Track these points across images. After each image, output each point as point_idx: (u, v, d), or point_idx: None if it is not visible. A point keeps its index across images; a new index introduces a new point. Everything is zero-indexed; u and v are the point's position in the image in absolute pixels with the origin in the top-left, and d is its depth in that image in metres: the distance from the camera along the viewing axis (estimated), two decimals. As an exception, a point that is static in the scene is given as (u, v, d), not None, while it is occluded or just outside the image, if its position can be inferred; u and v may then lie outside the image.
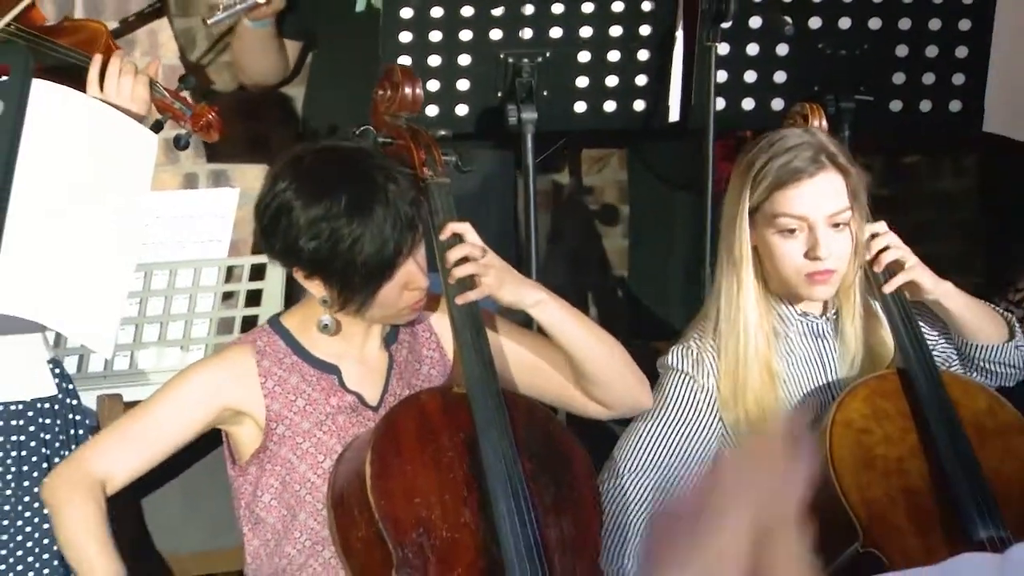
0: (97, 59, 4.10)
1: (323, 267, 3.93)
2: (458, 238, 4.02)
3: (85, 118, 3.84)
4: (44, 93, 3.69)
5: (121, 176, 3.88)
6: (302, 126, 5.60)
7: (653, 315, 5.96)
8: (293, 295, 4.76)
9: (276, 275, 4.99)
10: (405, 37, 4.94)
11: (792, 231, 4.26)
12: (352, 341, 4.06)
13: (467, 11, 4.96)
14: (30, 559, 4.12)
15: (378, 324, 4.06)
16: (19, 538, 4.12)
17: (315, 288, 3.98)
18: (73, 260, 3.84)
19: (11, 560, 4.10)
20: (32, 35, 4.11)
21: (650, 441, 4.32)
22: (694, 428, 4.31)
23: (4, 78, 3.58)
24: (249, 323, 4.97)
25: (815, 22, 5.16)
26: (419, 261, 3.95)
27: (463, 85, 5.02)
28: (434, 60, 4.96)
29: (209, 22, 5.39)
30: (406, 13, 4.93)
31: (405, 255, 3.90)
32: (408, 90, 4.20)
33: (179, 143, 4.19)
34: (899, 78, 5.23)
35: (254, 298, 5.02)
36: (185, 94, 4.20)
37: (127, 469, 3.97)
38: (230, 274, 5.02)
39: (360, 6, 5.43)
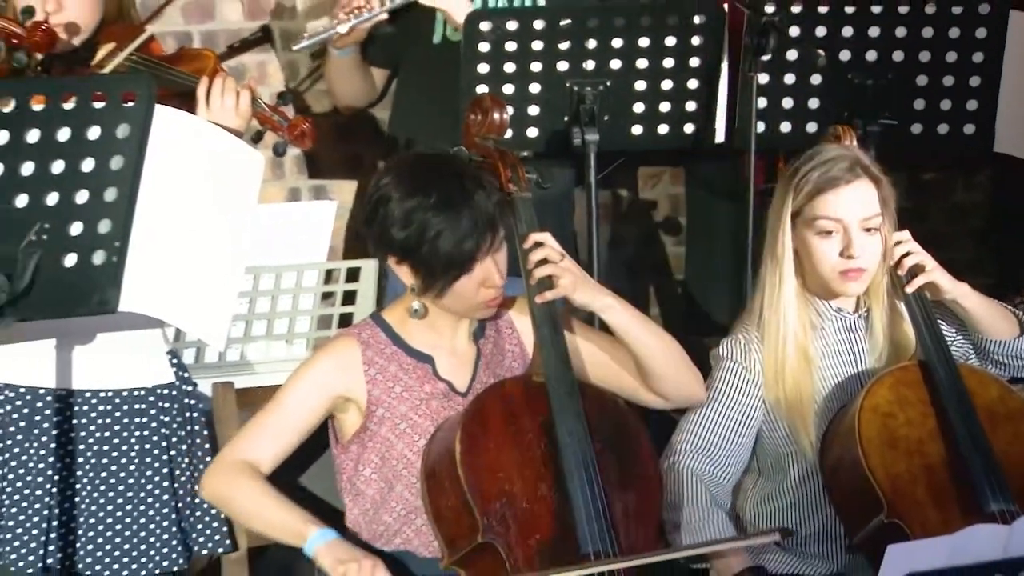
0: (204, 80, 4.12)
1: (411, 254, 3.95)
2: (539, 245, 4.03)
3: (201, 140, 3.85)
4: (165, 117, 3.69)
5: (232, 189, 3.89)
6: (387, 146, 5.59)
7: (704, 314, 5.96)
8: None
9: (369, 277, 5.01)
10: (483, 68, 4.95)
11: (829, 232, 4.27)
12: (444, 335, 4.08)
13: (537, 45, 4.96)
14: (152, 527, 4.12)
15: (464, 319, 4.07)
16: (141, 509, 4.11)
17: (404, 274, 4.00)
18: (190, 264, 3.84)
19: (135, 538, 4.10)
20: (153, 63, 4.12)
21: (705, 423, 4.32)
22: (742, 410, 4.32)
23: (130, 104, 3.58)
24: (345, 320, 4.99)
25: (845, 55, 5.14)
26: (498, 263, 3.96)
27: (533, 110, 5.02)
28: (508, 88, 4.96)
29: (295, 48, 5.40)
30: (484, 47, 4.94)
31: (484, 253, 3.92)
32: (496, 116, 4.21)
33: (278, 151, 4.20)
34: (919, 104, 5.21)
35: (349, 298, 5.04)
36: (283, 108, 4.20)
37: (271, 456, 3.99)
38: (328, 276, 5.03)
39: (436, 38, 5.45)
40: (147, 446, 4.13)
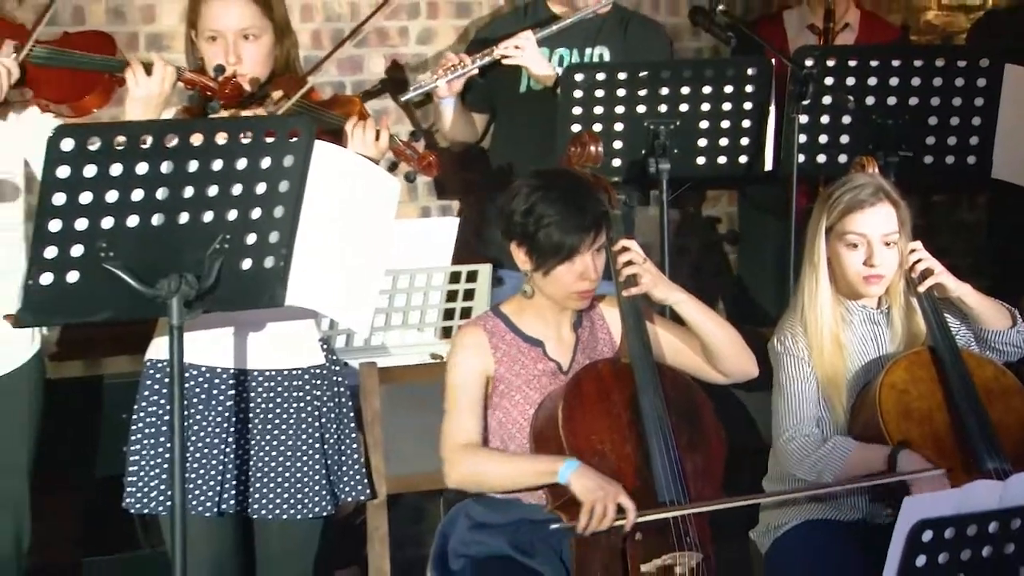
0: (352, 120, 4.12)
1: (527, 238, 3.95)
2: (627, 250, 4.03)
3: (350, 168, 3.86)
4: (322, 149, 3.71)
5: (374, 207, 3.89)
6: (494, 174, 5.60)
7: (756, 307, 5.94)
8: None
9: (485, 278, 5.01)
10: (577, 110, 4.94)
11: (856, 245, 4.26)
12: (550, 324, 4.07)
13: (621, 92, 4.96)
14: (306, 481, 4.13)
15: (566, 312, 4.06)
16: (299, 464, 4.12)
17: (520, 257, 4.00)
18: (342, 267, 3.85)
19: (293, 489, 4.11)
20: (312, 107, 4.13)
21: (790, 410, 4.30)
22: (807, 387, 4.30)
23: (295, 139, 3.60)
24: (465, 312, 5.01)
25: (870, 100, 5.10)
26: (596, 262, 3.96)
27: (617, 144, 5.01)
28: (597, 126, 4.95)
29: (402, 99, 5.42)
30: (577, 94, 4.93)
31: (586, 247, 3.91)
32: (593, 149, 4.19)
33: (409, 178, 4.21)
34: (930, 140, 5.17)
35: (468, 294, 5.05)
36: (414, 143, 4.21)
37: (477, 431, 3.99)
38: (452, 277, 5.04)
39: (522, 88, 5.46)
40: (303, 415, 4.13)
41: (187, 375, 4.06)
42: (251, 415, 4.11)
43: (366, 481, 4.23)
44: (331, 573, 5.13)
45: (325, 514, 4.16)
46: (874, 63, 5.13)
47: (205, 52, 4.10)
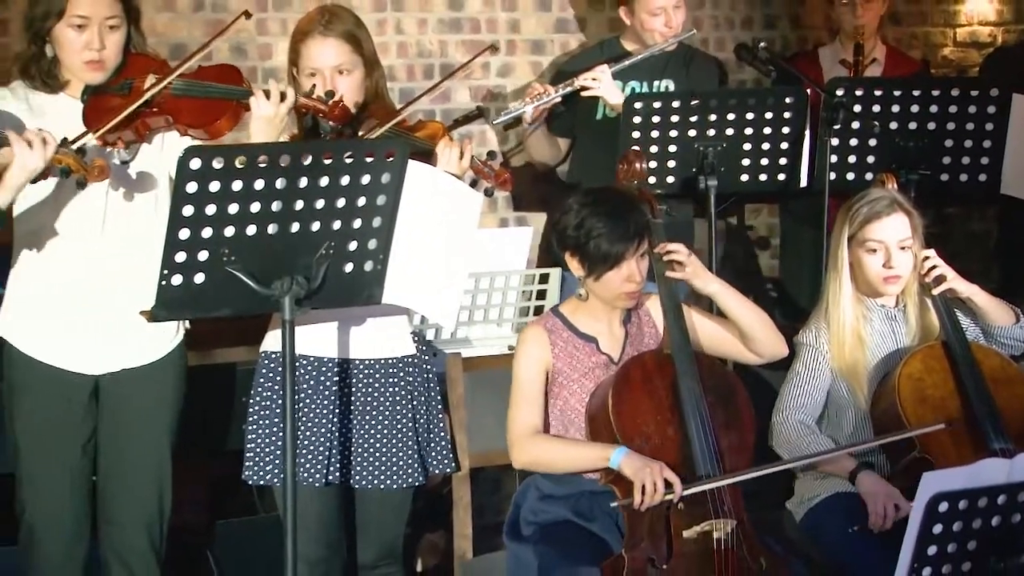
0: (441, 141, 4.12)
1: (579, 249, 3.96)
2: (672, 251, 4.04)
3: (437, 183, 3.87)
4: (415, 168, 3.72)
5: (460, 217, 3.90)
6: (567, 190, 5.59)
7: (794, 306, 5.91)
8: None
9: (555, 280, 5.01)
10: (636, 134, 4.94)
11: (875, 250, 4.26)
12: (602, 321, 4.07)
13: (675, 118, 4.95)
14: (400, 456, 4.12)
15: (616, 311, 4.06)
16: (394, 441, 4.11)
17: (574, 265, 4.01)
18: (431, 269, 3.85)
19: (390, 461, 4.10)
20: (403, 133, 4.13)
21: (796, 393, 4.32)
22: (817, 377, 4.31)
23: (391, 159, 3.61)
24: (538, 310, 5.01)
25: (893, 124, 5.07)
26: (641, 267, 3.97)
27: (671, 163, 5.00)
28: (654, 148, 4.94)
29: (494, 123, 5.43)
30: (637, 120, 4.93)
31: (631, 254, 3.92)
32: (638, 165, 4.20)
33: (488, 193, 4.20)
34: (946, 160, 5.13)
35: (541, 294, 5.05)
36: (491, 163, 4.21)
37: (539, 419, 4.01)
38: (527, 279, 5.05)
39: (598, 115, 5.47)
40: (397, 398, 4.13)
41: (298, 364, 4.07)
42: (352, 399, 4.11)
43: (452, 456, 4.23)
44: (421, 536, 5.15)
45: (417, 484, 4.16)
46: (897, 92, 5.10)
47: (305, 87, 4.12)
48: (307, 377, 4.08)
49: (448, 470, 4.22)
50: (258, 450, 4.08)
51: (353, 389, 4.12)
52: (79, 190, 3.80)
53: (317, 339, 4.07)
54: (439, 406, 4.23)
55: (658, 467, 3.81)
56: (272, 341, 4.10)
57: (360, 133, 4.06)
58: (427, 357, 4.23)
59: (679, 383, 3.94)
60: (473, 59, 4.71)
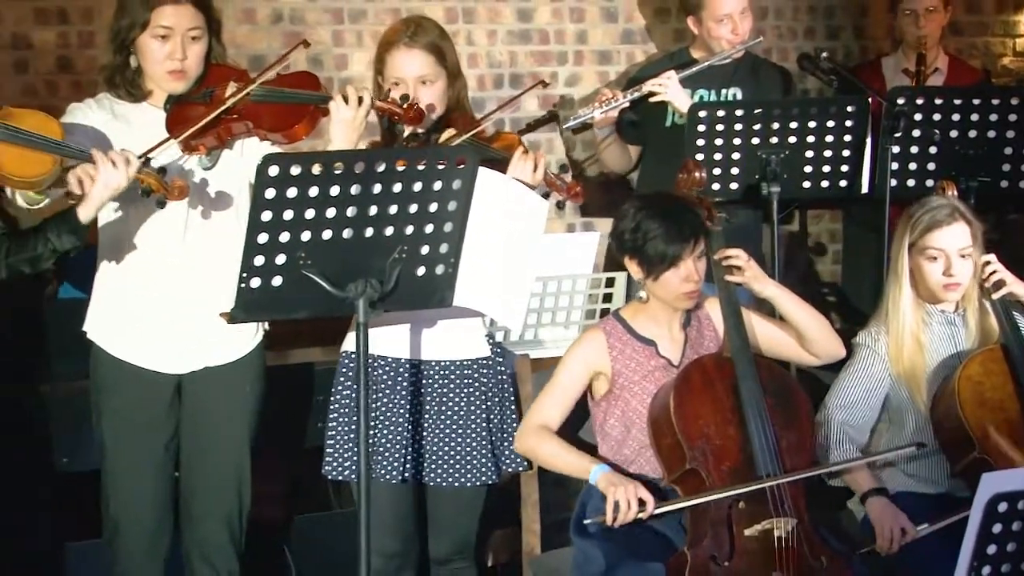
0: (517, 152, 4.11)
1: (637, 251, 3.96)
2: (731, 256, 4.04)
3: (506, 190, 3.87)
4: (484, 175, 3.73)
5: (527, 222, 3.90)
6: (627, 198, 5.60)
7: (853, 308, 5.88)
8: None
9: (621, 284, 4.99)
10: (700, 142, 4.91)
11: (935, 258, 4.22)
12: (662, 325, 4.07)
13: (738, 126, 4.91)
14: (474, 455, 4.13)
15: (676, 314, 4.06)
16: (468, 440, 4.12)
17: (633, 268, 4.01)
18: (500, 273, 3.86)
19: (464, 460, 4.11)
20: (481, 143, 4.13)
21: (847, 388, 4.29)
22: (871, 379, 4.28)
23: (462, 166, 3.61)
24: (604, 313, 4.99)
25: (953, 133, 5.01)
26: (698, 267, 3.96)
27: (735, 171, 4.97)
28: (718, 155, 4.91)
29: (564, 127, 5.43)
30: (702, 128, 4.90)
31: (688, 254, 3.92)
32: (697, 174, 4.19)
33: (560, 206, 4.20)
34: (1006, 167, 5.06)
35: (607, 297, 5.04)
36: (564, 175, 4.21)
37: (557, 417, 4.03)
38: (593, 283, 5.04)
39: (668, 123, 5.44)
40: (471, 399, 4.14)
41: (376, 365, 4.09)
42: (429, 399, 4.13)
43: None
44: (491, 532, 5.15)
45: (490, 483, 4.17)
46: (957, 101, 5.05)
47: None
48: (385, 378, 4.10)
49: (521, 469, 4.22)
50: (338, 447, 4.10)
51: (429, 389, 4.13)
52: (159, 208, 3.84)
53: (396, 341, 4.09)
54: (513, 406, 4.23)
55: (632, 487, 3.81)
56: (352, 342, 4.09)
57: (440, 141, 4.07)
58: (501, 359, 4.24)
59: (739, 385, 3.93)
60: (521, 94, 4.73)
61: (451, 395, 4.14)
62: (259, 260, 3.44)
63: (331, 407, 4.15)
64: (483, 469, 4.14)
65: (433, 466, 4.12)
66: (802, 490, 3.92)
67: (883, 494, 4.16)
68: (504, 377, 4.22)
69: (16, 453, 4.54)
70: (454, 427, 4.13)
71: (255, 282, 3.46)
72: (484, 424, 4.14)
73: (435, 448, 4.12)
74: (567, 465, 3.98)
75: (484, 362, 4.18)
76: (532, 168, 4.04)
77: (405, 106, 4.03)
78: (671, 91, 5.22)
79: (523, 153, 4.07)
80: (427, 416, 4.12)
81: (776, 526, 3.84)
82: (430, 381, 4.13)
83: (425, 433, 4.12)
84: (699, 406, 3.91)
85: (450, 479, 4.12)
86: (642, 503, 3.81)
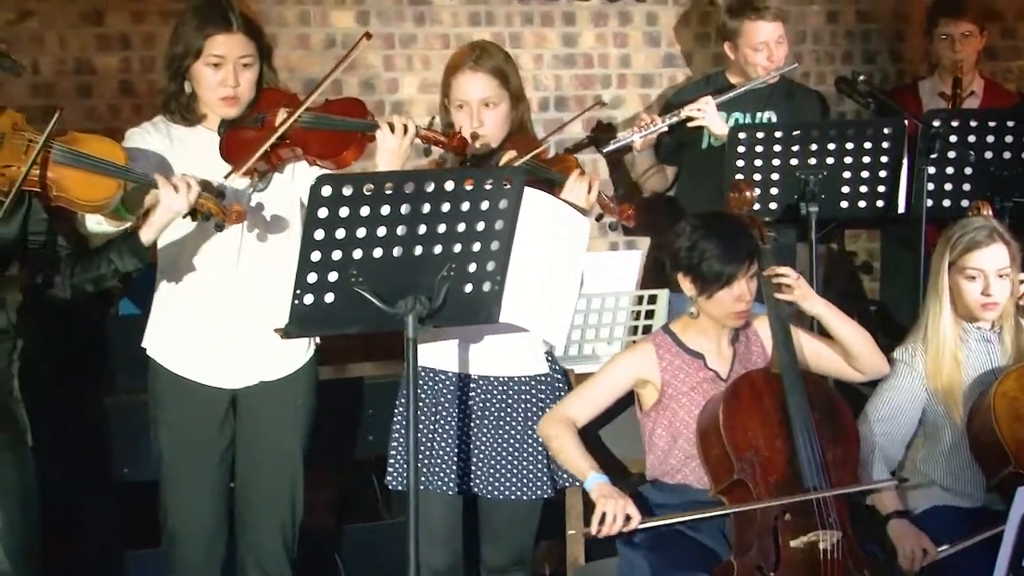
0: (573, 174, 4.12)
1: (692, 269, 3.97)
2: (781, 274, 4.04)
3: (550, 210, 3.88)
4: (529, 194, 3.74)
5: (570, 241, 3.91)
6: (674, 217, 5.59)
7: (891, 325, 5.85)
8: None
9: (663, 301, 4.98)
10: (740, 163, 4.89)
11: (974, 278, 4.19)
12: (711, 340, 4.07)
13: (777, 147, 4.90)
14: (530, 470, 4.14)
15: (725, 329, 4.05)
16: (525, 455, 4.13)
17: (686, 285, 4.01)
18: (544, 290, 3.86)
19: (521, 474, 4.12)
20: (539, 165, 4.14)
21: (885, 403, 4.26)
22: (908, 394, 4.25)
23: (508, 186, 3.62)
24: (647, 329, 4.97)
25: (988, 154, 4.99)
26: (750, 287, 3.96)
27: (774, 191, 4.96)
28: (757, 176, 4.90)
29: (603, 151, 5.42)
30: (741, 149, 4.89)
31: (741, 275, 3.92)
32: (748, 194, 4.20)
33: (612, 227, 4.21)
34: (1042, 188, 5.07)
35: (649, 314, 5.03)
36: (616, 197, 4.21)
37: (584, 415, 4.04)
38: (636, 300, 5.03)
39: (704, 145, 5.44)
40: (529, 414, 4.14)
41: (439, 378, 4.12)
42: (488, 413, 4.14)
43: None
44: (538, 542, 5.14)
45: (546, 497, 4.18)
46: (992, 123, 5.01)
47: (454, 117, 4.15)
48: (446, 391, 4.12)
49: (577, 483, 4.20)
50: (400, 459, 4.12)
51: (490, 404, 4.14)
52: (217, 231, 3.88)
53: (458, 356, 4.11)
54: None
55: (623, 502, 3.81)
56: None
57: (501, 163, 4.09)
58: (560, 375, 4.24)
59: (787, 399, 3.93)
60: (583, 112, 4.87)
61: (510, 410, 4.15)
62: (312, 277, 3.45)
63: (394, 420, 4.18)
64: (539, 484, 4.15)
65: (490, 479, 4.13)
66: (846, 504, 3.92)
67: (904, 516, 4.15)
68: (563, 394, 4.23)
69: (80, 463, 4.58)
70: (512, 441, 4.14)
71: (308, 299, 3.47)
72: (540, 439, 4.15)
73: (493, 462, 4.13)
74: (569, 462, 3.98)
75: (543, 378, 4.20)
76: (587, 190, 4.05)
77: (449, 135, 4.06)
78: (708, 117, 5.23)
79: (579, 175, 4.08)
80: (486, 430, 4.14)
81: (821, 538, 3.83)
82: (490, 396, 4.15)
83: (483, 447, 4.13)
84: (748, 419, 3.91)
85: (507, 492, 4.13)
86: (628, 518, 3.81)
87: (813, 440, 3.89)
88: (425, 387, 4.13)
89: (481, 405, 4.13)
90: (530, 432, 4.14)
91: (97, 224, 3.91)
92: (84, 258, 3.87)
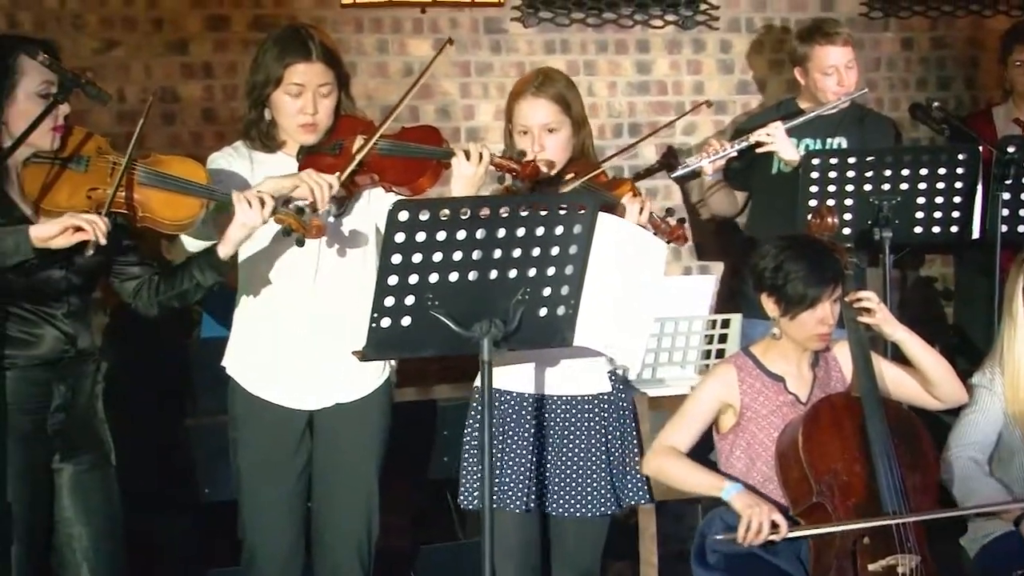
0: (627, 196, 4.11)
1: (776, 290, 3.94)
2: (863, 298, 4.01)
3: (626, 234, 3.88)
4: (605, 220, 3.73)
5: (646, 265, 3.90)
6: (746, 243, 5.58)
7: (966, 350, 5.78)
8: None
9: (736, 326, 4.95)
10: (813, 188, 4.84)
11: None
12: (792, 363, 4.03)
13: (851, 173, 4.85)
14: (593, 483, 4.11)
15: (805, 353, 4.02)
16: (588, 472, 4.11)
17: (769, 306, 3.99)
18: (619, 314, 3.84)
19: (584, 490, 4.11)
20: (595, 187, 4.14)
21: (970, 425, 4.22)
22: (992, 418, 4.20)
23: (582, 211, 3.61)
24: (719, 353, 4.94)
25: (1064, 179, 4.97)
26: (833, 311, 3.93)
27: (848, 216, 4.90)
28: (831, 201, 4.85)
29: (672, 176, 5.39)
30: (814, 175, 4.84)
31: (825, 297, 3.90)
32: (830, 219, 4.16)
33: None
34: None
35: (722, 339, 4.99)
36: (668, 219, 4.19)
37: (684, 442, 4.03)
38: (709, 324, 5.00)
39: (773, 170, 5.41)
40: (592, 432, 4.13)
41: (503, 399, 4.11)
42: (551, 432, 4.13)
43: (646, 488, 4.19)
44: (609, 564, 5.12)
45: (610, 513, 4.15)
46: (1070, 148, 4.97)
47: (518, 142, 4.16)
48: (511, 411, 4.10)
49: (642, 502, 4.19)
50: (470, 477, 4.12)
51: (552, 423, 4.12)
52: (298, 247, 3.88)
53: (521, 376, 4.10)
54: (635, 441, 4.20)
55: (768, 508, 3.78)
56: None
57: (562, 189, 4.08)
58: (623, 395, 4.22)
59: (867, 424, 3.89)
60: (686, 113, 4.96)
61: (573, 428, 4.13)
62: (389, 301, 3.44)
63: (464, 439, 4.18)
64: (603, 500, 4.12)
65: (555, 496, 4.11)
66: (924, 528, 3.87)
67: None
68: (627, 413, 4.21)
69: (163, 483, 4.61)
70: (575, 459, 4.12)
71: (385, 322, 3.46)
72: (604, 457, 4.13)
73: (557, 479, 4.11)
74: (699, 483, 3.96)
75: (605, 397, 4.17)
76: (639, 209, 4.04)
77: (523, 162, 4.06)
78: (778, 142, 5.18)
79: (632, 196, 4.08)
80: (550, 448, 4.12)
81: (900, 562, 3.80)
82: (553, 415, 4.13)
83: (548, 464, 4.12)
84: (827, 442, 3.88)
85: (571, 509, 4.11)
86: (775, 526, 3.78)
87: (893, 465, 3.85)
88: (496, 406, 4.11)
89: (546, 424, 4.12)
90: (594, 450, 4.12)
91: (194, 244, 3.97)
92: (168, 276, 3.91)
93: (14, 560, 3.69)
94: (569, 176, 4.14)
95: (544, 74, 4.21)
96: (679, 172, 5.28)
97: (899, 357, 4.13)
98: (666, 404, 4.46)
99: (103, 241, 3.60)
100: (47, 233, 3.57)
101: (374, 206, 4.12)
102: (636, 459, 4.17)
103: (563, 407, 4.13)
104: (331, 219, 4.08)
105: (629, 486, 4.16)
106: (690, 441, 4.03)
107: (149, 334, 4.59)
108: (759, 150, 5.22)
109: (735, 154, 5.22)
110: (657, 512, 4.37)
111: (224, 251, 3.83)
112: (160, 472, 4.60)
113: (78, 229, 3.57)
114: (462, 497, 4.14)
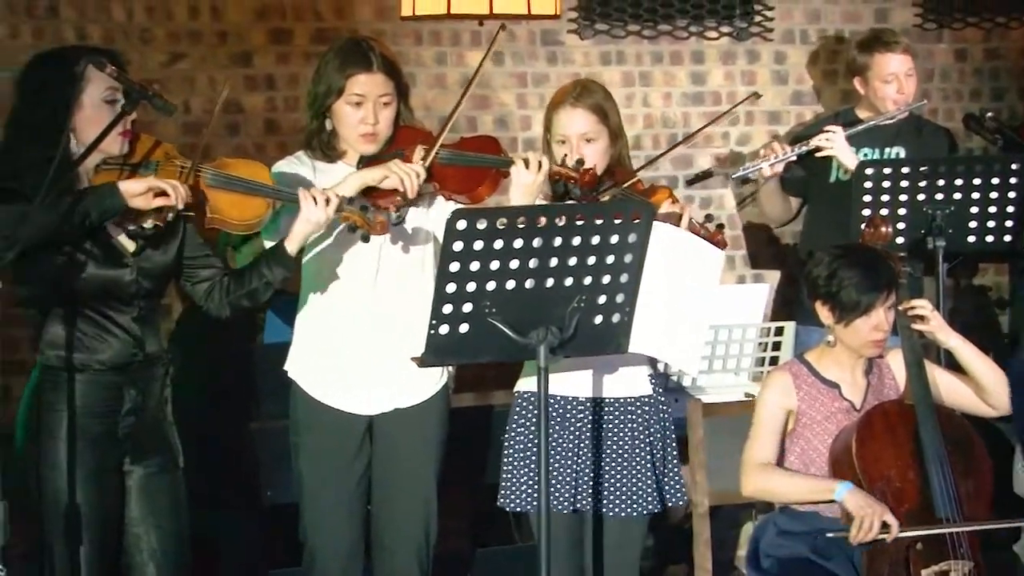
0: (663, 203, 4.11)
1: (831, 297, 3.93)
2: (917, 306, 4.00)
3: (682, 243, 3.87)
4: (660, 228, 3.71)
5: (701, 273, 3.89)
6: (800, 253, 5.57)
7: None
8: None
9: (790, 333, 4.94)
10: (867, 197, 4.83)
11: None
12: (846, 370, 4.01)
13: (904, 183, 4.82)
14: (637, 482, 4.10)
15: (860, 360, 4.00)
16: (633, 471, 4.11)
17: (824, 313, 3.98)
18: (675, 321, 3.83)
19: (629, 490, 4.10)
20: (632, 195, 4.13)
21: None
22: None
23: (637, 220, 3.62)
24: (773, 360, 4.94)
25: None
26: (888, 317, 3.91)
27: (901, 225, 4.87)
28: (884, 211, 4.82)
29: (733, 176, 5.39)
30: (868, 184, 4.83)
31: (879, 304, 3.89)
32: (884, 229, 4.13)
33: None
34: None
35: (776, 346, 4.99)
36: (708, 225, 4.18)
37: (772, 454, 3.99)
38: (763, 331, 5.00)
39: (832, 178, 5.38)
40: (635, 433, 4.11)
41: (554, 403, 4.11)
42: (594, 433, 4.12)
43: (684, 489, 4.19)
44: (666, 568, 5.13)
45: (656, 511, 4.14)
46: None
47: (556, 152, 4.17)
48: (554, 415, 4.10)
49: (681, 503, 4.18)
50: (512, 479, 4.12)
51: (595, 425, 4.12)
52: (364, 243, 3.90)
53: (564, 379, 4.07)
54: (674, 443, 4.19)
55: (881, 508, 3.76)
56: (523, 383, 4.15)
57: (602, 198, 4.09)
58: (663, 397, 4.21)
59: (920, 431, 3.87)
60: (736, 105, 4.95)
61: (615, 430, 4.12)
62: (448, 308, 3.45)
63: (505, 443, 4.17)
64: (648, 499, 4.11)
65: (601, 495, 4.11)
66: (978, 535, 3.85)
67: None
68: (667, 415, 4.19)
69: (228, 486, 4.65)
70: (619, 459, 4.11)
71: (444, 329, 3.47)
72: (647, 457, 4.12)
73: (601, 479, 4.11)
74: (808, 490, 3.93)
75: (646, 399, 4.16)
76: (678, 216, 4.04)
77: (581, 171, 4.06)
78: (837, 146, 5.17)
79: (671, 203, 4.07)
80: (593, 450, 4.12)
81: (953, 568, 3.78)
82: (596, 417, 4.12)
83: (592, 465, 4.11)
84: (880, 449, 3.86)
85: (616, 509, 4.10)
86: (886, 525, 3.77)
87: (946, 471, 3.83)
88: (535, 410, 4.12)
89: (587, 426, 4.12)
90: (637, 451, 4.11)
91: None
92: (237, 276, 3.95)
93: (83, 561, 3.72)
94: (608, 184, 4.13)
95: (582, 85, 4.21)
96: (739, 173, 5.30)
97: (953, 365, 4.10)
98: (719, 411, 4.47)
99: (181, 206, 3.67)
100: (135, 189, 3.64)
101: (433, 214, 4.14)
102: (675, 460, 4.17)
103: (606, 409, 4.13)
104: (392, 225, 4.11)
105: (671, 486, 4.16)
106: (774, 452, 3.99)
107: (214, 339, 4.64)
108: (818, 155, 5.20)
109: (795, 158, 5.21)
110: (711, 517, 4.37)
111: (291, 247, 3.86)
112: (224, 475, 4.64)
113: (161, 193, 3.64)
114: (502, 499, 4.14)
